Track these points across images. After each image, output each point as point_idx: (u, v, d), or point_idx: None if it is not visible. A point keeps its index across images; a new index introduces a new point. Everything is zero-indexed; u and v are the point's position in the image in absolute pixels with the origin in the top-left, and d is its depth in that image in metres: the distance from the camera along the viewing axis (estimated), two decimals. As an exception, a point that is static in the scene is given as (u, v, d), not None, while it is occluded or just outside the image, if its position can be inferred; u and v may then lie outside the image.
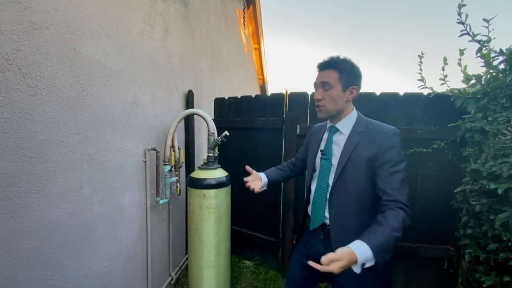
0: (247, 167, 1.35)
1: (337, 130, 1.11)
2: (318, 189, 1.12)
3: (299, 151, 1.41)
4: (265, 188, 1.29)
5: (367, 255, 0.79)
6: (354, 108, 1.12)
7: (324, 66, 1.07)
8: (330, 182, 1.07)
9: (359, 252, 0.78)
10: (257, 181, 1.28)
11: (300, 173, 1.44)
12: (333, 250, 0.90)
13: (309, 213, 1.19)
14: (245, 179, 1.30)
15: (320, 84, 1.06)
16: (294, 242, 1.33)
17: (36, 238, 0.98)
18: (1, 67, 0.82)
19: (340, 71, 1.04)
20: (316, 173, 1.16)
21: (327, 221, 1.09)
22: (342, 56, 1.06)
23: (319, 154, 1.15)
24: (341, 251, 0.77)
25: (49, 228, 1.02)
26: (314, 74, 1.13)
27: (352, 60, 1.06)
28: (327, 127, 1.18)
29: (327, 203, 1.08)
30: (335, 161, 1.07)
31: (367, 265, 0.80)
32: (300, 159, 1.39)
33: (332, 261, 0.75)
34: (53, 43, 0.98)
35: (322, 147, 1.16)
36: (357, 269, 0.79)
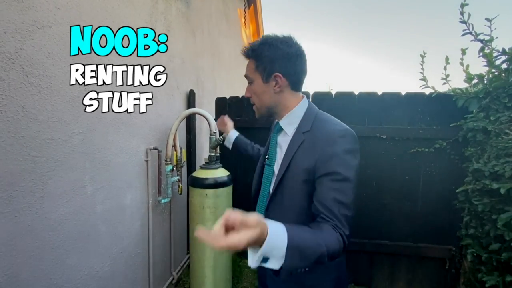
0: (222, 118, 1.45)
1: (282, 128, 0.88)
2: (260, 201, 0.92)
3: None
4: (228, 145, 1.39)
5: (279, 245, 0.54)
6: (303, 100, 0.87)
7: (244, 56, 0.87)
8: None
9: (273, 233, 0.53)
10: (225, 126, 1.41)
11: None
12: (276, 276, 0.78)
13: None
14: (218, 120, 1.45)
15: (246, 79, 0.89)
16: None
17: (39, 237, 0.98)
18: (4, 66, 0.82)
19: (256, 58, 0.82)
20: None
21: None
22: (265, 38, 0.83)
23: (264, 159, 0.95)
24: (257, 219, 0.51)
25: (51, 227, 1.02)
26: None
27: (275, 40, 0.80)
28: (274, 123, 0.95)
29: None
30: (276, 168, 0.85)
31: (270, 263, 0.55)
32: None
33: (244, 226, 0.49)
34: (56, 42, 0.98)
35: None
36: (253, 260, 0.54)
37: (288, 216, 0.80)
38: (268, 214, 0.86)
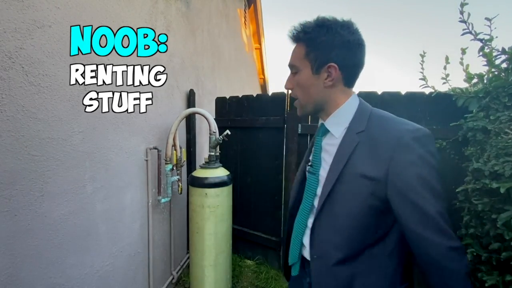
0: None
1: (327, 130, 0.74)
2: (301, 212, 0.79)
3: None
4: None
5: None
6: (353, 96, 0.73)
7: (291, 39, 0.73)
8: (316, 205, 0.73)
9: None
10: None
11: None
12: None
13: None
14: None
15: (290, 68, 0.74)
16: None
17: (39, 236, 0.98)
18: (4, 65, 0.83)
19: (308, 43, 0.68)
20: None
21: (308, 257, 0.75)
22: (321, 19, 0.68)
23: (307, 166, 0.81)
24: None
25: (51, 226, 1.02)
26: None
27: (333, 23, 0.66)
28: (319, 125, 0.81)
29: (308, 236, 0.74)
30: (323, 177, 0.72)
31: None
32: None
33: None
34: (56, 41, 0.99)
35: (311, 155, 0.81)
36: None
37: (341, 233, 0.66)
38: (313, 231, 0.72)
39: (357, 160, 0.65)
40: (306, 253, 0.76)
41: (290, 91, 0.78)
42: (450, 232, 0.60)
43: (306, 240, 0.76)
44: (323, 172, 0.73)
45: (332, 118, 0.73)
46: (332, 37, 0.65)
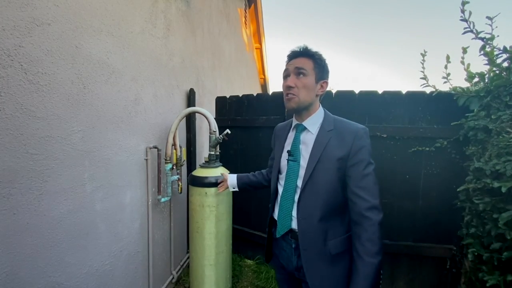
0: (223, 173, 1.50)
1: (305, 128, 1.02)
2: (285, 193, 1.03)
3: (270, 157, 1.33)
4: (235, 189, 1.40)
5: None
6: (321, 107, 1.05)
7: (298, 54, 0.98)
8: (299, 184, 0.98)
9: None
10: (225, 182, 1.42)
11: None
12: (302, 260, 0.97)
13: (276, 218, 1.09)
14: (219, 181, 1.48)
15: (294, 70, 0.97)
16: (266, 261, 1.21)
17: (38, 235, 0.98)
18: (3, 63, 0.82)
19: (314, 60, 0.97)
20: (283, 175, 1.06)
21: (295, 227, 0.99)
22: (315, 49, 1.00)
23: (285, 155, 1.05)
24: None
25: (50, 225, 1.02)
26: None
27: (323, 55, 1.01)
28: (293, 125, 1.08)
29: (296, 207, 0.99)
30: (304, 162, 0.98)
31: None
32: (271, 165, 1.32)
33: None
34: (55, 39, 0.98)
35: (288, 147, 1.06)
36: None
37: (320, 198, 0.94)
38: (299, 202, 0.97)
39: (330, 147, 0.95)
40: (294, 224, 1.00)
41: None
42: (377, 195, 0.90)
43: (294, 212, 0.99)
44: (303, 159, 0.99)
45: (310, 120, 1.01)
46: (327, 65, 1.00)
